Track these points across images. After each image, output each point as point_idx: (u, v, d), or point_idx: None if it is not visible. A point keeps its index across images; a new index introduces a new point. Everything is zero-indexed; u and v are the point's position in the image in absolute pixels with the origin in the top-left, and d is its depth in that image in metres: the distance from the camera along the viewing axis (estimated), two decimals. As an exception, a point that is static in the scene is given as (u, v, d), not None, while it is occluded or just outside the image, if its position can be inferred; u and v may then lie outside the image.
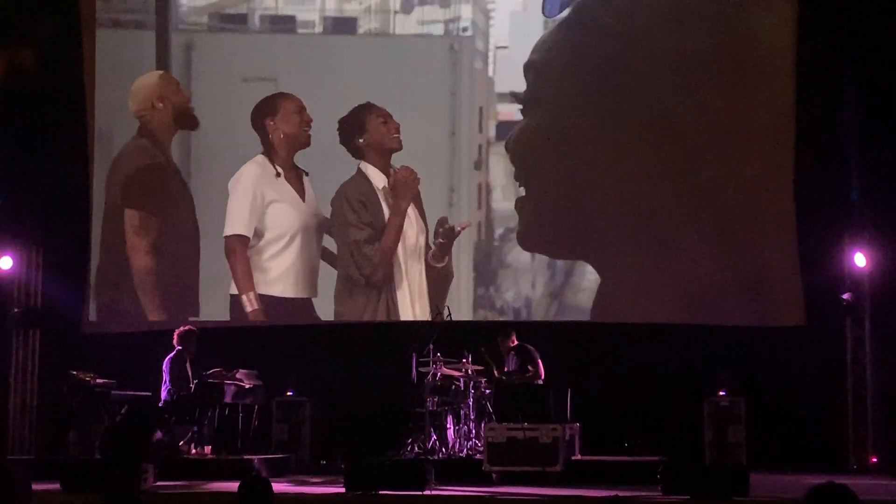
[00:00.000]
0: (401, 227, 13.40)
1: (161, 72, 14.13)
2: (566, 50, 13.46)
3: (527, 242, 13.54)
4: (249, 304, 13.42)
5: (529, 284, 13.57)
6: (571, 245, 13.48)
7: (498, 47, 13.84)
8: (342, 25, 14.16)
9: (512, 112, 13.85)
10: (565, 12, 13.46)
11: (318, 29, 14.20)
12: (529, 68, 13.51)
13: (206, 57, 14.18)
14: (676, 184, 13.17)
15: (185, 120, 13.99)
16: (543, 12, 13.52)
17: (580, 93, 13.43)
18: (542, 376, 12.45)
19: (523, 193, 13.52)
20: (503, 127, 13.87)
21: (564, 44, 13.45)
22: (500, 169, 13.74)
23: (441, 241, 13.47)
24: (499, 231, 13.78)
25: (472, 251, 13.68)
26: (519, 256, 13.60)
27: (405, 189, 13.42)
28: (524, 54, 13.59)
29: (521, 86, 13.58)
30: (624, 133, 13.29)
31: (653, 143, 13.21)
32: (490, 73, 13.93)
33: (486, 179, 13.77)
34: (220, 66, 14.18)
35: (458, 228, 13.47)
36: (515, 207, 13.55)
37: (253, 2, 14.21)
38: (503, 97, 13.92)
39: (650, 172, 13.21)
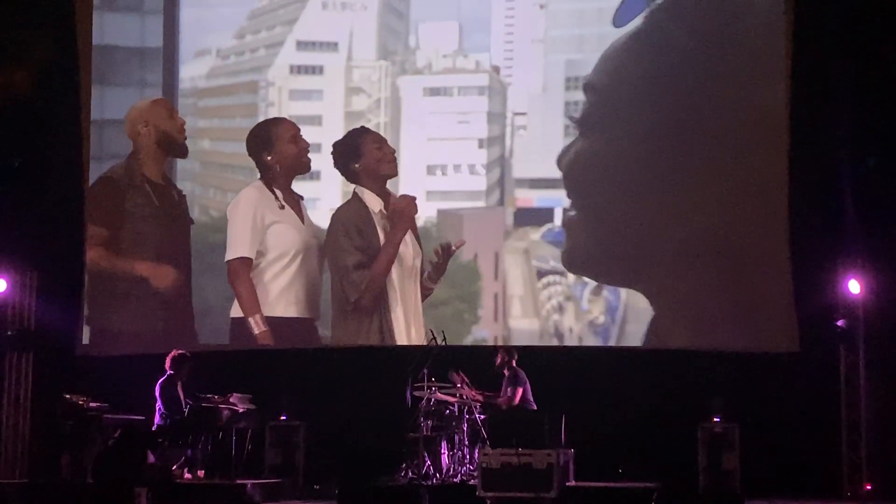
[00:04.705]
0: (393, 257, 13.23)
1: (157, 97, 14.14)
2: (634, 71, 13.12)
3: (574, 264, 13.32)
4: (257, 327, 13.35)
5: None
6: (622, 271, 13.21)
7: (516, 114, 13.60)
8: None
9: (531, 198, 13.60)
10: (636, 22, 13.11)
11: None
12: (590, 88, 13.23)
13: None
14: (672, 206, 13.18)
15: (171, 147, 14.00)
16: (614, 23, 13.17)
17: (644, 117, 13.11)
18: (516, 402, 12.44)
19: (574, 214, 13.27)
20: (521, 213, 13.67)
21: (632, 63, 13.10)
22: (517, 274, 13.45)
23: (436, 261, 13.40)
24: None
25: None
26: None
27: (402, 219, 13.25)
28: (542, 133, 13.42)
29: (539, 172, 13.46)
30: (671, 158, 13.13)
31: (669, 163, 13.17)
32: (506, 154, 13.70)
33: (502, 289, 13.52)
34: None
35: (454, 247, 13.39)
36: (563, 225, 13.33)
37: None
38: (521, 182, 13.68)
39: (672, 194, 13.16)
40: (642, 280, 13.20)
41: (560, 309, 13.54)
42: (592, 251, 13.32)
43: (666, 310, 13.12)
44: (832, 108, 12.87)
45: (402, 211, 13.27)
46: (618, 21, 13.24)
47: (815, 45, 12.88)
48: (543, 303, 13.54)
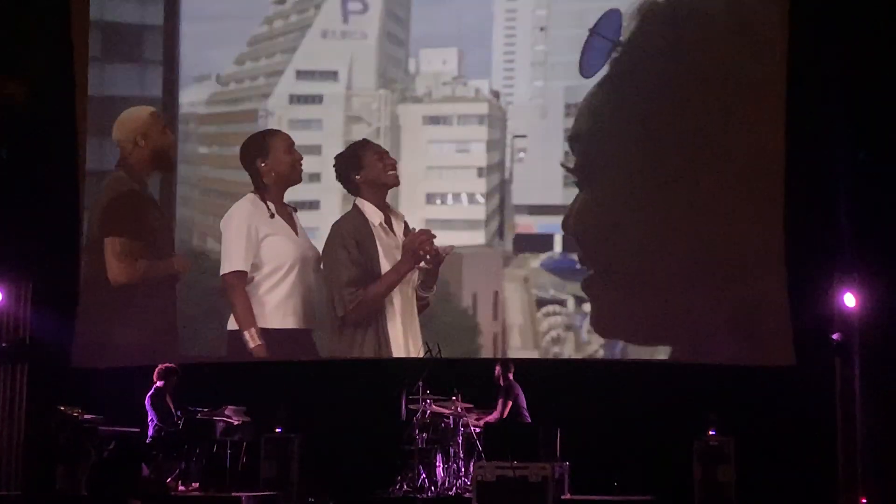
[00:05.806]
0: (394, 286, 13.12)
1: (152, 109, 14.14)
2: (610, 109, 13.11)
3: (603, 329, 13.18)
4: (252, 341, 13.31)
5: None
6: (649, 327, 13.01)
7: (516, 136, 13.56)
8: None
9: (531, 224, 13.54)
10: (604, 70, 13.13)
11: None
12: (574, 140, 13.23)
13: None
14: (676, 236, 13.14)
15: (163, 162, 14.04)
16: (581, 73, 13.18)
17: (632, 152, 13.05)
18: (503, 416, 12.43)
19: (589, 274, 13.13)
20: (521, 240, 13.59)
21: (606, 106, 13.10)
22: (516, 302, 13.33)
23: (426, 267, 13.31)
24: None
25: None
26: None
27: (415, 256, 13.08)
28: (542, 159, 13.37)
29: (539, 198, 13.43)
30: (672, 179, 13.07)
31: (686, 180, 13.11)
32: (506, 178, 13.62)
33: (502, 328, 13.41)
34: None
35: (444, 253, 13.28)
36: (582, 288, 13.20)
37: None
38: (521, 209, 13.60)
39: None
40: (669, 337, 13.08)
41: (559, 341, 13.50)
42: (616, 312, 13.15)
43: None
44: (829, 121, 12.89)
45: (415, 248, 13.08)
46: (585, 73, 13.25)
47: (810, 55, 12.90)
48: (543, 333, 13.49)
